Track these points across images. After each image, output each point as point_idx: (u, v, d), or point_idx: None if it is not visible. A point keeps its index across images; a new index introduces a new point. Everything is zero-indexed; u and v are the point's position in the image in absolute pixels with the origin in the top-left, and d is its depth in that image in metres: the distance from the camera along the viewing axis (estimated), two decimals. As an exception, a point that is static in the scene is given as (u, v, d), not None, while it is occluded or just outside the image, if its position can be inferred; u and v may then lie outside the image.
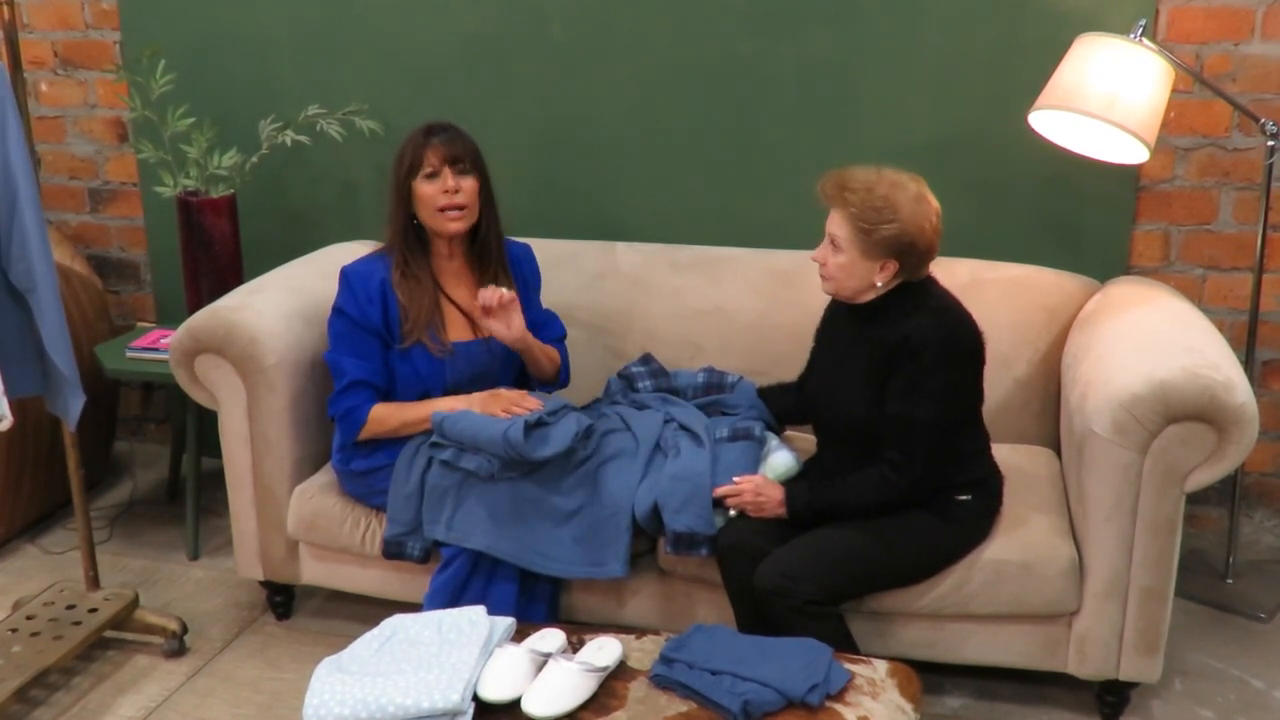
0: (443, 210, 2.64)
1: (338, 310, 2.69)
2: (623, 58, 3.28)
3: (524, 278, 2.84)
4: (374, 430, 2.67)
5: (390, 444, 2.69)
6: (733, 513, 2.52)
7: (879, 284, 2.42)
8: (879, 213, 2.35)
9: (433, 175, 2.63)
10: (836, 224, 2.41)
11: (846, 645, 2.37)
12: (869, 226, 2.36)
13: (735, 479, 2.52)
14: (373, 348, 2.67)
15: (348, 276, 2.69)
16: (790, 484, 2.52)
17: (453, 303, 2.74)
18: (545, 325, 2.87)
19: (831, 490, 2.46)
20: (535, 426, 2.56)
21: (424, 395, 2.71)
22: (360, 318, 2.66)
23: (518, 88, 3.36)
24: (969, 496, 2.49)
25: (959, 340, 2.42)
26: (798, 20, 3.14)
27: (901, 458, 2.39)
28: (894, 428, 2.40)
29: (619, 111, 3.32)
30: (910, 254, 2.38)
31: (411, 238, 2.69)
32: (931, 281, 2.48)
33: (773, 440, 2.67)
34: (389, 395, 2.70)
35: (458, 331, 2.73)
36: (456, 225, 2.67)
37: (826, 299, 2.58)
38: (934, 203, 2.41)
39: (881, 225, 2.35)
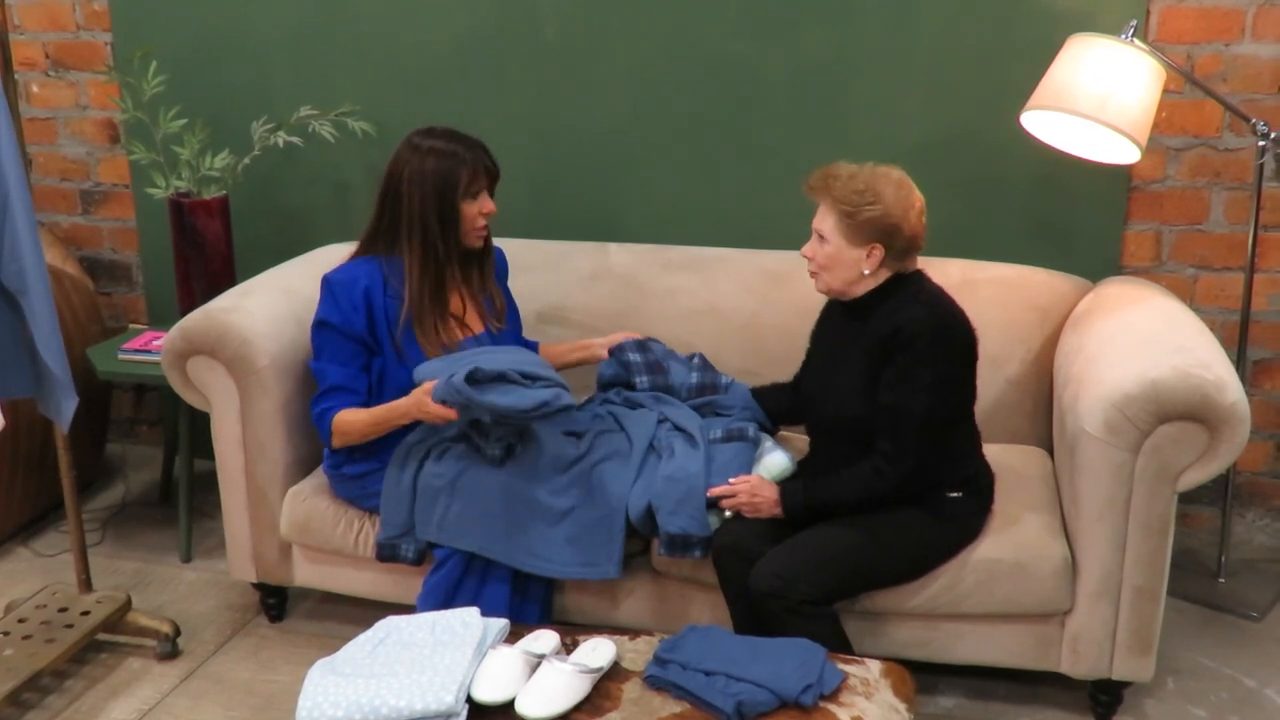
0: (480, 229, 2.68)
1: (320, 321, 2.66)
2: (616, 58, 3.28)
3: (499, 275, 2.88)
4: (344, 438, 2.65)
5: (381, 448, 2.67)
6: (728, 514, 2.52)
7: (867, 271, 2.43)
8: (861, 195, 2.38)
9: (477, 194, 2.65)
10: (822, 216, 2.45)
11: (841, 645, 2.37)
12: (852, 209, 2.38)
13: (730, 480, 2.52)
14: (355, 354, 2.65)
15: (330, 285, 2.65)
16: (785, 484, 2.52)
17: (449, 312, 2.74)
18: (517, 317, 2.92)
19: (825, 486, 2.46)
20: (507, 381, 2.49)
21: None
22: (344, 325, 2.63)
23: (511, 88, 3.36)
24: (960, 494, 2.49)
25: (951, 331, 2.43)
26: (790, 21, 3.14)
27: (894, 449, 2.40)
28: (886, 419, 2.40)
29: (612, 112, 3.32)
30: (895, 237, 2.40)
31: (457, 256, 2.68)
32: (923, 276, 2.50)
33: (767, 441, 2.67)
34: (371, 401, 2.68)
35: (451, 335, 2.73)
36: (482, 241, 2.71)
37: (819, 298, 2.59)
38: (918, 192, 2.44)
39: (865, 207, 2.38)
